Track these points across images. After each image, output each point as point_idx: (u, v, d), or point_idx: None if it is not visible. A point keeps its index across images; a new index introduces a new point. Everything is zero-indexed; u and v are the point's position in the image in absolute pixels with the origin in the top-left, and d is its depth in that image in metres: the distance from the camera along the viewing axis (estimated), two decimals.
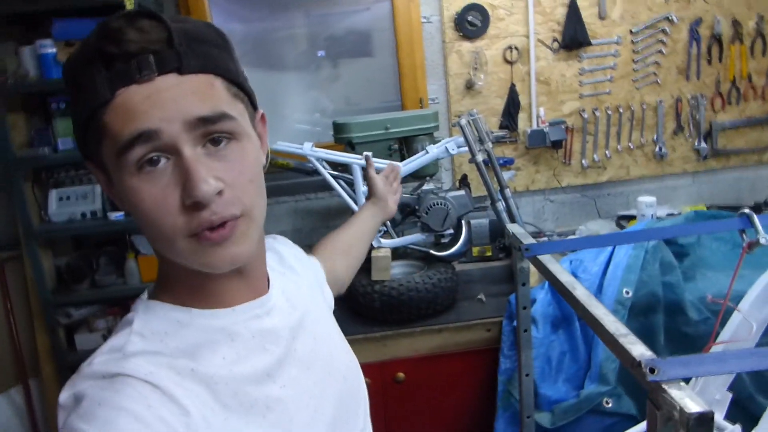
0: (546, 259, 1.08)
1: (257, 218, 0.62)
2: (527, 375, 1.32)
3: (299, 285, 0.80)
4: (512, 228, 1.26)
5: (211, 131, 0.57)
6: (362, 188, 1.97)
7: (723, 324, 1.66)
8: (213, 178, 0.56)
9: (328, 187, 2.05)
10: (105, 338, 2.15)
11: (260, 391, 0.62)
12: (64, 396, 0.54)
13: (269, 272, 0.74)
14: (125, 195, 0.57)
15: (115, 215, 2.20)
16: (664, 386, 0.65)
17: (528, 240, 1.17)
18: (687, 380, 1.21)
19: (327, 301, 0.94)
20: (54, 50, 2.05)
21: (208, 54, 0.58)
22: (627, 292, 1.61)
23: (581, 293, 0.90)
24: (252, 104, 0.66)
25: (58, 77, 2.09)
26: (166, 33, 0.56)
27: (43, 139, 2.18)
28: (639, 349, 0.71)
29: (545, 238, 2.40)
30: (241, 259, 0.60)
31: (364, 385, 0.82)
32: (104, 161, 0.59)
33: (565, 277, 0.97)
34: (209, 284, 0.64)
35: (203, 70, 0.57)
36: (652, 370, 0.66)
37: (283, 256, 0.84)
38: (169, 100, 0.54)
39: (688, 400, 0.62)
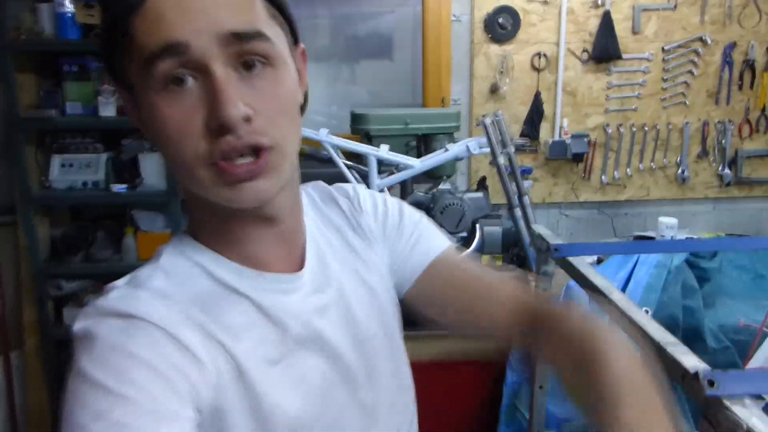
0: (577, 261, 1.00)
1: (289, 153, 0.56)
2: (541, 387, 1.24)
3: (353, 241, 0.71)
4: (538, 228, 1.19)
5: (245, 51, 0.51)
6: (376, 181, 1.90)
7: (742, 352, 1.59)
8: (242, 103, 0.50)
9: (339, 180, 1.97)
10: None
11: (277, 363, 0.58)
12: (78, 327, 0.51)
13: (311, 222, 0.67)
14: (148, 115, 0.52)
15: (118, 188, 2.12)
16: (726, 402, 0.57)
17: (556, 241, 1.09)
18: None
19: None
20: (72, 9, 1.99)
21: None
22: (646, 311, 1.53)
23: (619, 298, 0.82)
24: (293, 34, 0.59)
25: (73, 37, 2.03)
26: None
27: (51, 102, 2.11)
28: (692, 360, 0.63)
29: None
30: (269, 194, 0.54)
31: (412, 394, 0.73)
32: (130, 77, 0.53)
33: (600, 280, 0.89)
34: (236, 229, 0.59)
35: None
36: (711, 383, 0.59)
37: (349, 193, 0.74)
38: (201, 9, 0.49)
39: (757, 419, 0.54)
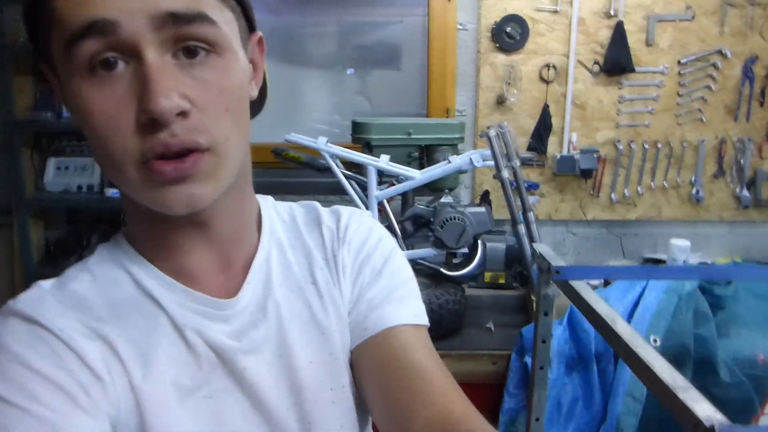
0: (579, 285, 0.92)
1: (231, 157, 0.49)
2: (537, 419, 1.16)
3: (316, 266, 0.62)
4: (540, 248, 1.11)
5: (185, 35, 0.45)
6: (375, 192, 1.84)
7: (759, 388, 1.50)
8: (178, 95, 0.44)
9: (338, 191, 1.92)
10: None
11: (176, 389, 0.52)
12: None
13: (271, 240, 0.60)
14: (73, 102, 0.46)
15: (113, 191, 2.08)
16: None
17: (558, 262, 1.02)
18: None
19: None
20: None
21: None
22: (655, 340, 1.45)
23: (624, 329, 0.75)
24: (248, 21, 0.53)
25: None
26: None
27: (47, 104, 2.10)
28: (705, 409, 0.56)
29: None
30: (201, 202, 0.48)
31: None
32: (54, 58, 0.47)
33: (603, 307, 0.82)
34: (166, 235, 0.54)
35: None
36: None
37: (322, 217, 0.66)
38: None
39: None
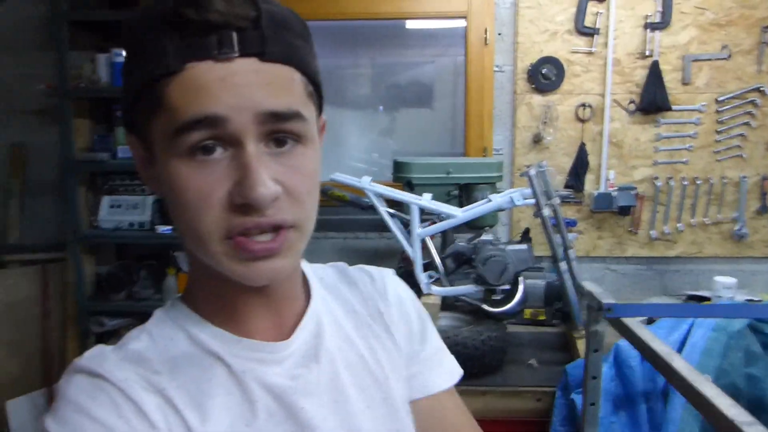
0: (632, 323, 0.94)
1: (309, 232, 0.55)
2: None
3: (364, 325, 0.67)
4: (588, 285, 1.13)
5: (280, 129, 0.51)
6: (417, 230, 1.88)
7: None
8: (272, 181, 0.49)
9: (378, 228, 1.97)
10: None
11: None
12: (59, 382, 0.54)
13: (318, 296, 0.65)
14: (168, 179, 0.51)
15: (163, 229, 2.16)
16: None
17: (607, 299, 1.04)
18: None
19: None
20: None
21: (292, 44, 0.52)
22: (707, 379, 1.43)
23: (682, 366, 0.76)
24: (320, 108, 0.59)
25: None
26: (255, 12, 0.49)
27: (103, 145, 2.20)
28: None
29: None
30: (283, 274, 0.54)
31: None
32: (151, 137, 0.52)
33: (659, 345, 0.84)
34: (227, 296, 0.58)
35: (285, 60, 0.51)
36: None
37: (376, 280, 0.71)
38: (245, 86, 0.48)
39: None
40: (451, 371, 0.73)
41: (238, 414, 0.55)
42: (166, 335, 0.57)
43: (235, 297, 0.58)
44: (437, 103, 2.51)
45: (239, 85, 0.48)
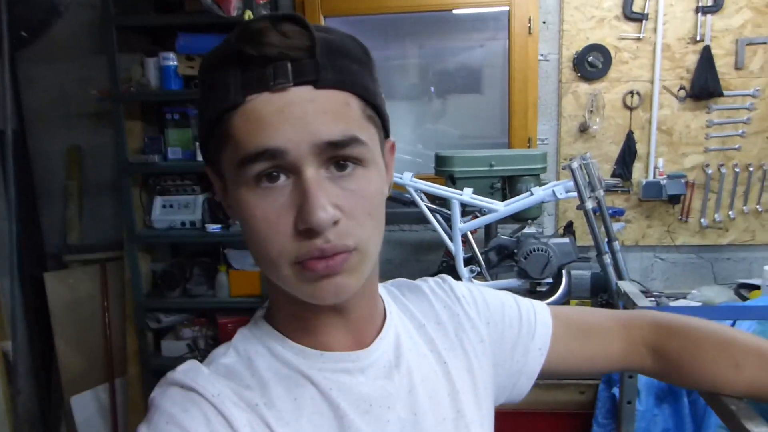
0: None
1: (371, 254, 0.56)
2: None
3: (444, 335, 0.69)
4: (624, 286, 1.13)
5: (338, 156, 0.52)
6: (459, 225, 1.89)
7: None
8: (331, 206, 0.51)
9: (423, 220, 1.99)
10: (189, 347, 2.10)
11: None
12: (153, 393, 0.56)
13: (394, 311, 0.67)
14: (238, 207, 0.55)
15: (212, 227, 2.23)
16: None
17: (643, 302, 1.03)
18: None
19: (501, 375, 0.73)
20: (175, 63, 2.14)
21: (347, 69, 0.54)
22: None
23: None
24: (385, 130, 0.60)
25: (176, 88, 2.18)
26: (309, 41, 0.52)
27: (154, 147, 2.27)
28: None
29: (653, 300, 2.20)
30: (347, 292, 0.55)
31: None
32: (222, 168, 0.56)
33: None
34: (305, 316, 0.60)
35: (340, 86, 0.53)
36: None
37: (452, 287, 0.74)
38: (301, 118, 0.51)
39: None
40: (541, 306, 0.76)
41: (328, 429, 0.57)
42: (252, 351, 0.59)
43: (314, 316, 0.59)
44: (486, 88, 2.47)
45: (296, 117, 0.50)
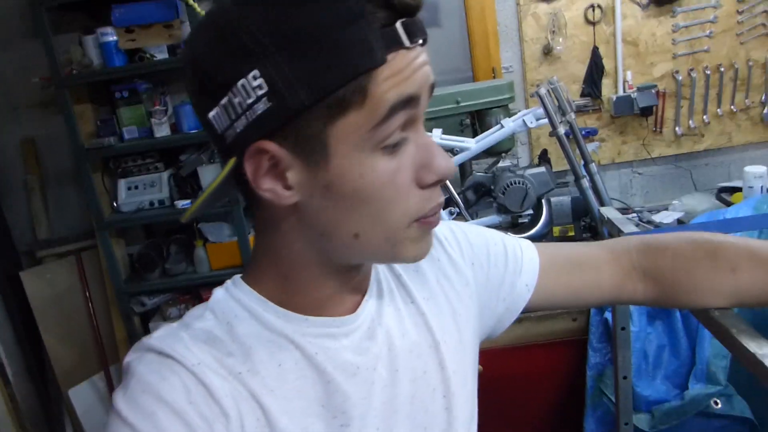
0: None
1: None
2: (625, 378, 1.17)
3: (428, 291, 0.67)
4: (607, 212, 1.10)
5: (425, 106, 0.53)
6: None
7: None
8: None
9: None
10: None
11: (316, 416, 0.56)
12: (126, 360, 0.53)
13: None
14: (359, 176, 0.50)
15: (183, 203, 2.17)
16: None
17: (629, 227, 1.01)
18: None
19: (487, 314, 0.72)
20: (115, 38, 2.02)
21: None
22: None
23: None
24: None
25: (120, 64, 2.07)
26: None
27: (108, 129, 2.18)
28: None
29: (634, 215, 2.19)
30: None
31: None
32: (330, 138, 0.49)
33: None
34: (312, 279, 0.57)
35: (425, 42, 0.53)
36: None
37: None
38: (422, 65, 0.51)
39: None
40: (531, 258, 0.72)
41: (313, 396, 0.55)
42: (231, 315, 0.56)
43: (325, 280, 0.57)
44: (445, 20, 2.37)
45: (419, 65, 0.50)
